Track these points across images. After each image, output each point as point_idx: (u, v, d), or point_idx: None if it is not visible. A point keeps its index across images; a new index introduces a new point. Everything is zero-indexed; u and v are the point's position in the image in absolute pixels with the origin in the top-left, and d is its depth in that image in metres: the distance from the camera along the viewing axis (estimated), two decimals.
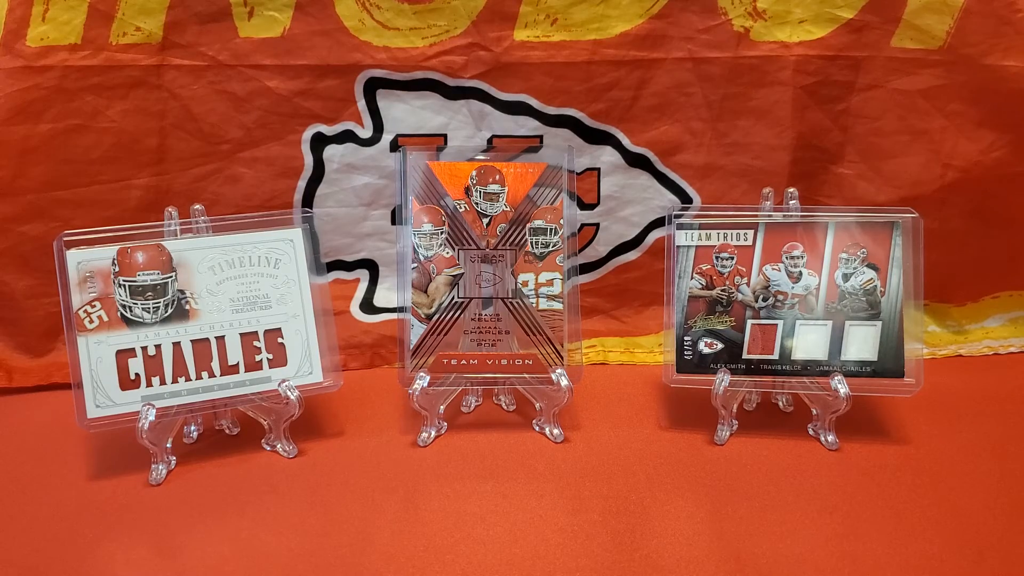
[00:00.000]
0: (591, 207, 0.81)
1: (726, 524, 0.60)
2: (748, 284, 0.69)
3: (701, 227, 0.70)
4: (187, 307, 0.66)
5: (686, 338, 0.69)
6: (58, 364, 0.77)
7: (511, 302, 0.70)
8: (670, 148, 0.79)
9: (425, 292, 0.70)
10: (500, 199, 0.70)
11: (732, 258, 0.69)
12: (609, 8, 0.74)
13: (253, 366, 0.67)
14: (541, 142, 0.78)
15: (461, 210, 0.70)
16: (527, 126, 0.77)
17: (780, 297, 0.69)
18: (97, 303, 0.65)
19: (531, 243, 0.70)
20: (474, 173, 0.71)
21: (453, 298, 0.70)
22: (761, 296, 0.69)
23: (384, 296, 0.83)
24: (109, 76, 0.73)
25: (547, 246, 0.70)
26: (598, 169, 0.80)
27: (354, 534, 0.60)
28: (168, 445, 0.66)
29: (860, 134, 0.78)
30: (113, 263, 0.65)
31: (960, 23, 0.73)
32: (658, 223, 0.82)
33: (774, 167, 0.78)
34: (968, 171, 0.78)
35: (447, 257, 0.70)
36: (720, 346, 0.69)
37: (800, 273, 0.69)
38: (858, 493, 0.63)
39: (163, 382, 0.65)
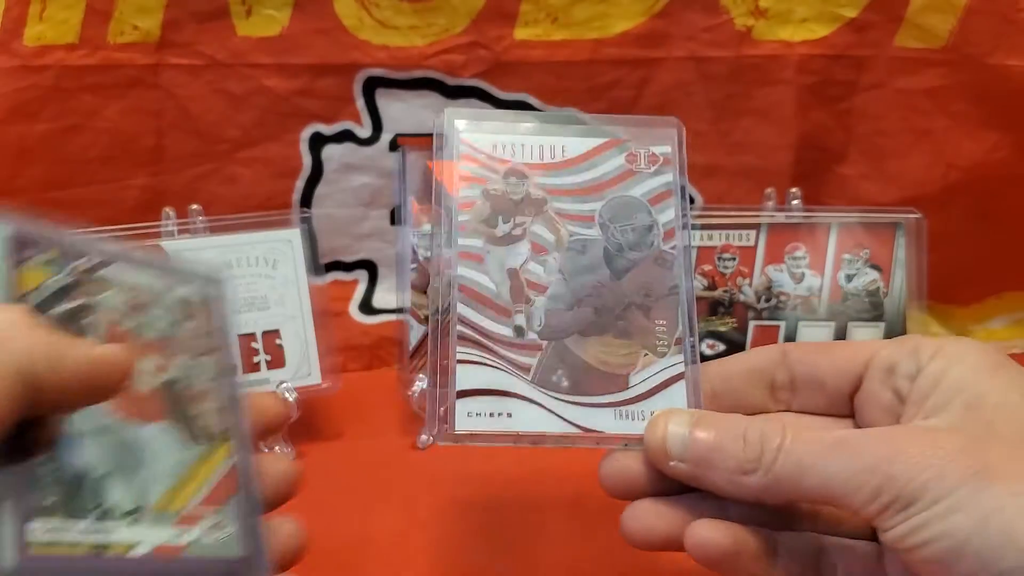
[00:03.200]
0: None
1: None
2: (751, 285, 0.69)
3: (703, 227, 0.69)
4: None
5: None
6: None
7: None
8: None
9: (425, 293, 0.70)
10: None
11: (734, 259, 0.69)
12: (610, 7, 0.73)
13: (251, 368, 0.66)
14: None
15: None
16: None
17: (782, 298, 0.69)
18: None
19: None
20: None
21: None
22: (763, 297, 0.69)
23: (383, 297, 0.82)
24: (106, 75, 0.72)
25: None
26: None
27: (352, 536, 0.59)
28: None
29: (863, 134, 0.78)
30: None
31: (963, 22, 0.73)
32: None
33: (777, 167, 0.78)
34: (971, 171, 0.77)
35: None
36: (722, 347, 0.69)
37: (803, 274, 0.69)
38: None
39: None
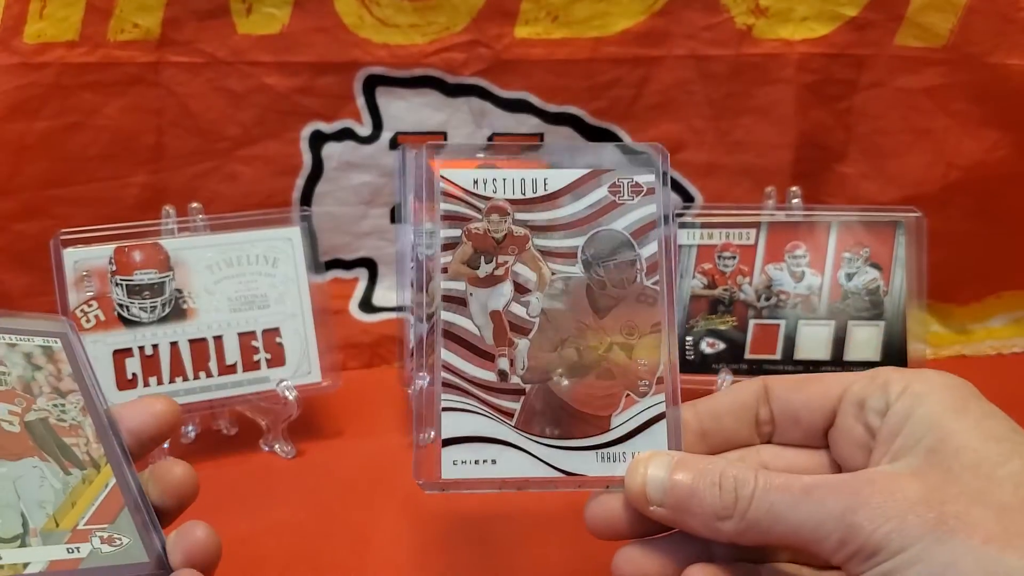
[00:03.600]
0: None
1: None
2: (751, 283, 0.69)
3: (703, 226, 0.69)
4: (184, 306, 0.66)
5: (688, 338, 0.69)
6: None
7: None
8: (672, 146, 0.78)
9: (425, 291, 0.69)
10: None
11: (734, 257, 0.69)
12: (611, 5, 0.73)
13: (251, 366, 0.66)
14: (542, 140, 0.78)
15: None
16: (528, 124, 0.77)
17: (783, 297, 0.69)
18: (94, 302, 0.64)
19: None
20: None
21: None
22: (763, 296, 0.69)
23: (383, 295, 0.82)
24: (107, 73, 0.72)
25: None
26: None
27: (353, 535, 0.59)
28: (166, 445, 0.65)
29: (863, 133, 0.78)
30: (110, 262, 0.64)
31: (963, 21, 0.73)
32: None
33: (777, 166, 0.78)
34: (971, 170, 0.77)
35: None
36: (722, 346, 0.69)
37: (803, 273, 0.69)
38: None
39: (160, 382, 0.65)
